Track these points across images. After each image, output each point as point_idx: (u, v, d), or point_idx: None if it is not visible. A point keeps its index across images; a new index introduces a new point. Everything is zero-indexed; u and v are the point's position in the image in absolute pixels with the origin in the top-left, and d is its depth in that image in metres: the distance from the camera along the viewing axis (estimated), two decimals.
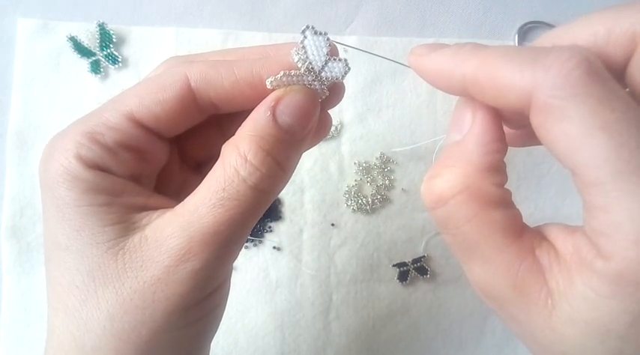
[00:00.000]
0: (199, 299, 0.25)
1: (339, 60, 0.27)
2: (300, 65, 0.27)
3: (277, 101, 0.25)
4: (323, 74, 0.27)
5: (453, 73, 0.22)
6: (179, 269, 0.24)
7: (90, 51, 0.49)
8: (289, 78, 0.26)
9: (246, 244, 0.49)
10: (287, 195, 0.50)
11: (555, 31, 0.23)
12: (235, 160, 0.24)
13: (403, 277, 0.49)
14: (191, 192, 0.26)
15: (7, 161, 0.49)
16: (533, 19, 0.53)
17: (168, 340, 0.25)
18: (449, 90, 0.23)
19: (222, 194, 0.24)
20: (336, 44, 0.28)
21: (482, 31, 0.53)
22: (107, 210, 0.25)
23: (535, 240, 0.21)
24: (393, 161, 0.50)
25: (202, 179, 0.26)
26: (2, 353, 0.47)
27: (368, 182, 0.50)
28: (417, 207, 0.50)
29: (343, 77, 0.28)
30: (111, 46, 0.50)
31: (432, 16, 0.52)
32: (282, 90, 0.26)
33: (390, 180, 0.50)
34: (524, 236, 0.21)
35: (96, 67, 0.49)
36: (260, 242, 0.49)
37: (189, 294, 0.24)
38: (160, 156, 0.29)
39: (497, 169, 0.22)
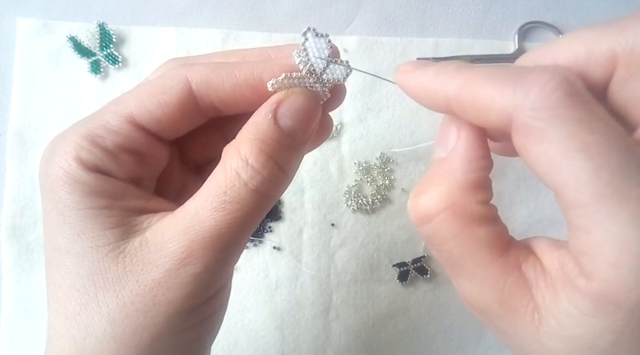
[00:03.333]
0: (200, 303, 0.25)
1: (341, 62, 0.27)
2: (301, 67, 0.26)
3: (279, 104, 0.25)
4: (324, 76, 0.27)
5: (436, 92, 0.22)
6: (180, 272, 0.24)
7: (90, 51, 0.49)
8: (290, 80, 0.26)
9: (246, 244, 0.49)
10: (287, 195, 0.50)
11: (537, 50, 0.23)
12: (237, 163, 0.24)
13: (403, 277, 0.49)
14: (192, 194, 0.26)
15: (7, 161, 0.49)
16: (533, 19, 0.53)
17: (170, 343, 0.25)
18: (433, 108, 0.24)
19: (224, 197, 0.24)
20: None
21: (482, 31, 0.53)
22: (107, 213, 0.25)
23: (521, 254, 0.21)
24: (393, 161, 0.50)
25: (203, 182, 0.26)
26: (2, 353, 0.47)
27: (368, 182, 0.50)
28: None
29: (345, 79, 0.27)
30: (111, 46, 0.50)
31: (432, 16, 0.52)
32: (283, 92, 0.26)
33: (390, 180, 0.50)
34: (511, 251, 0.21)
35: (96, 67, 0.49)
36: (260, 242, 0.49)
37: (191, 298, 0.24)
38: (160, 158, 0.29)
39: (482, 186, 0.22)
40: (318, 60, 0.27)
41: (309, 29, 0.26)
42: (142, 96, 0.26)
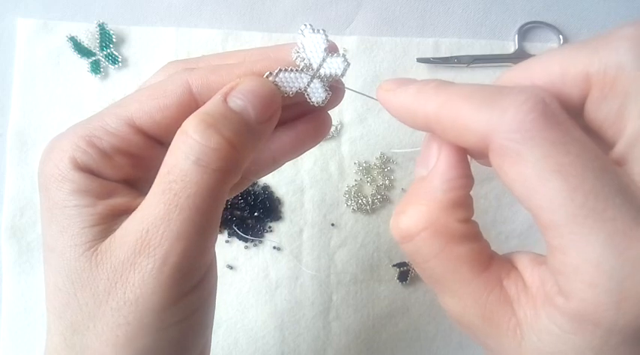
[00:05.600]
0: (175, 298, 0.24)
1: (338, 55, 0.27)
2: (298, 62, 0.26)
3: (230, 88, 0.25)
4: (322, 71, 0.27)
5: (417, 111, 0.23)
6: (142, 266, 0.23)
7: (90, 51, 0.49)
8: (287, 75, 0.26)
9: (246, 244, 0.49)
10: (287, 195, 0.50)
11: (515, 69, 0.23)
12: (178, 138, 0.24)
13: (403, 277, 0.49)
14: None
15: (7, 161, 0.49)
16: (533, 19, 0.53)
17: (147, 343, 0.24)
18: (414, 126, 0.24)
19: (168, 177, 0.23)
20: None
21: (482, 31, 0.53)
22: (90, 211, 0.25)
23: (503, 269, 0.22)
24: (393, 161, 0.50)
25: None
26: (2, 353, 0.47)
27: (368, 182, 0.50)
28: None
29: (343, 73, 0.27)
30: (111, 46, 0.50)
31: (432, 16, 0.52)
32: (237, 79, 0.26)
33: (390, 180, 0.50)
34: (492, 267, 0.22)
35: (96, 67, 0.49)
36: (260, 242, 0.49)
37: (158, 293, 0.23)
38: (159, 160, 0.28)
39: (462, 205, 0.22)
40: (315, 55, 0.26)
41: (305, 25, 0.26)
42: (143, 100, 0.26)
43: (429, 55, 0.51)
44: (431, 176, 0.22)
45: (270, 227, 0.49)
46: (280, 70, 0.26)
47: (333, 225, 0.49)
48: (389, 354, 0.49)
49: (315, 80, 0.27)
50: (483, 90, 0.21)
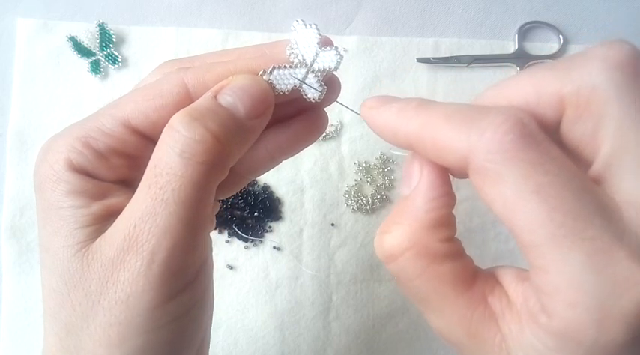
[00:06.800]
0: (166, 296, 0.23)
1: (330, 49, 0.27)
2: (292, 59, 0.26)
3: (221, 86, 0.25)
4: (315, 66, 0.27)
5: (399, 130, 0.23)
6: (131, 264, 0.23)
7: (90, 51, 0.49)
8: (281, 71, 0.26)
9: (246, 244, 0.49)
10: (287, 195, 0.50)
11: (492, 88, 0.23)
12: (164, 133, 0.24)
13: None
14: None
15: (7, 161, 0.49)
16: (533, 19, 0.53)
17: (140, 344, 0.24)
18: (397, 144, 0.24)
19: (154, 170, 0.23)
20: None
21: (482, 31, 0.53)
22: (84, 212, 0.25)
23: (487, 285, 0.22)
24: (393, 161, 0.50)
25: None
26: (2, 353, 0.47)
27: (368, 182, 0.50)
28: None
29: (337, 67, 0.27)
30: (111, 46, 0.50)
31: (432, 16, 0.52)
32: (229, 78, 0.26)
33: (390, 180, 0.50)
34: (477, 283, 0.22)
35: (96, 67, 0.49)
36: (260, 242, 0.49)
37: (150, 291, 0.23)
38: (143, 155, 0.28)
39: (444, 224, 0.22)
40: (308, 49, 0.26)
41: (297, 21, 0.26)
42: (139, 100, 0.26)
43: (429, 55, 0.51)
44: (413, 195, 0.23)
45: (270, 227, 0.49)
46: (274, 68, 0.26)
47: (333, 225, 0.49)
48: (389, 354, 0.49)
49: (309, 75, 0.27)
50: (463, 110, 0.21)
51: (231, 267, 0.49)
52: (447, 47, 0.51)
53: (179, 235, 0.23)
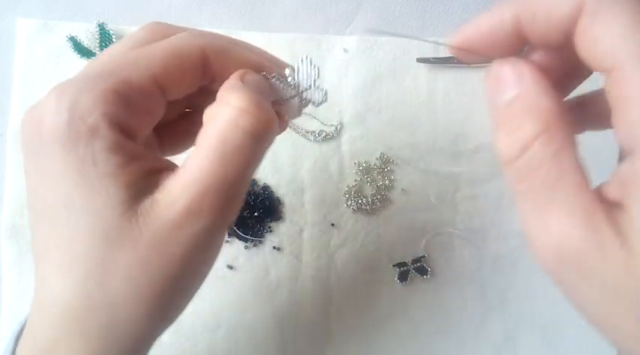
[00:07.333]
0: (207, 255, 0.27)
1: (321, 90, 0.32)
2: (289, 78, 0.31)
3: (241, 76, 0.28)
4: (304, 94, 0.32)
5: (502, 18, 0.24)
6: (193, 224, 0.25)
7: (90, 51, 0.49)
8: (277, 82, 0.31)
9: (246, 244, 0.49)
10: (287, 195, 0.50)
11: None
12: (230, 113, 0.25)
13: (403, 277, 0.49)
14: (180, 142, 0.32)
15: (7, 161, 0.49)
16: None
17: (178, 289, 0.26)
18: (499, 44, 0.25)
19: (224, 147, 0.25)
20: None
21: None
22: (124, 171, 0.25)
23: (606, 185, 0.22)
24: (393, 161, 0.50)
25: (191, 124, 0.30)
26: (2, 352, 0.47)
27: (368, 182, 0.50)
28: (417, 207, 0.50)
29: (319, 105, 0.32)
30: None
31: (432, 16, 0.52)
32: (241, 70, 0.29)
33: (390, 180, 0.50)
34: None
35: None
36: (260, 242, 0.49)
37: (200, 249, 0.25)
38: (159, 114, 0.29)
39: (566, 111, 0.23)
40: (304, 81, 0.31)
41: (306, 57, 0.31)
42: (167, 58, 0.27)
43: (429, 55, 0.51)
44: (525, 92, 0.23)
45: (270, 227, 0.49)
46: (274, 77, 0.31)
47: (333, 225, 0.49)
48: (389, 354, 0.49)
49: (295, 98, 0.32)
50: None
51: (231, 267, 0.49)
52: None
53: (236, 202, 0.27)
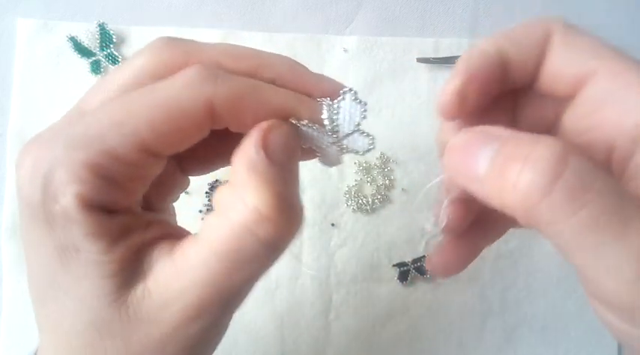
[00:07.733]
0: (206, 348, 0.26)
1: (367, 135, 0.25)
2: (326, 123, 0.24)
3: (265, 136, 0.23)
4: (345, 142, 0.25)
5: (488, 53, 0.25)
6: (190, 327, 0.23)
7: (90, 51, 0.49)
8: (310, 129, 0.24)
9: None
10: None
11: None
12: (245, 217, 0.21)
13: (403, 277, 0.49)
14: (206, 164, 0.28)
15: (7, 161, 0.49)
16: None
17: None
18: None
19: (236, 256, 0.22)
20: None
21: (482, 31, 0.53)
22: (109, 257, 0.22)
23: None
24: (393, 161, 0.50)
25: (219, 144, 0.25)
26: (2, 353, 0.47)
27: (368, 182, 0.50)
28: (417, 207, 0.50)
29: (364, 153, 0.26)
30: (111, 46, 0.50)
31: (432, 16, 0.52)
32: (266, 123, 0.23)
33: (390, 180, 0.50)
34: None
35: (96, 68, 0.49)
36: None
37: (198, 346, 0.24)
38: (154, 174, 0.25)
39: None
40: (346, 125, 0.25)
41: (350, 90, 0.24)
42: (156, 119, 0.22)
43: (429, 55, 0.51)
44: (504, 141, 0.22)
45: None
46: (305, 125, 0.24)
47: (333, 225, 0.49)
48: (389, 354, 0.49)
49: (333, 146, 0.25)
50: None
51: None
52: (447, 47, 0.51)
53: (239, 302, 0.26)
